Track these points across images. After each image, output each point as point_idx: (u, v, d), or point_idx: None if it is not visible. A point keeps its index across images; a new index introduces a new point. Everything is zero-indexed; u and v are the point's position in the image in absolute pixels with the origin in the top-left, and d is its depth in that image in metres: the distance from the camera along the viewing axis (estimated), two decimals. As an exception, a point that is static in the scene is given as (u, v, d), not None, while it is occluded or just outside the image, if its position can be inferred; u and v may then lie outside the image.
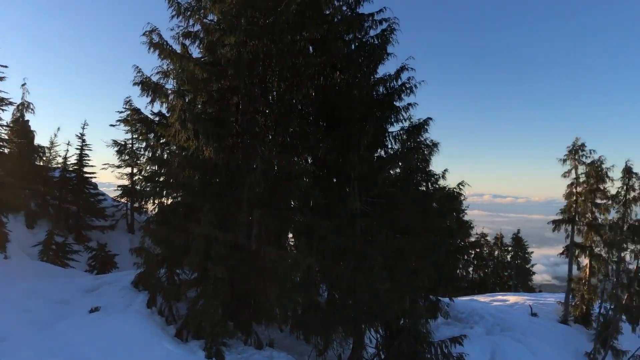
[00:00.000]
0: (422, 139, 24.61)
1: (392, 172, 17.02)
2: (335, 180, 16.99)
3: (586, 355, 24.90)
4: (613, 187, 27.71)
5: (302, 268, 14.83)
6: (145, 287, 15.72)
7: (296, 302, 14.67)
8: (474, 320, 26.92)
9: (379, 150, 16.29)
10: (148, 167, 17.68)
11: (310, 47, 16.88)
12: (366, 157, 15.26)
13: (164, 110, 16.25)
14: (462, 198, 41.61)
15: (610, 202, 27.58)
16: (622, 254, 25.83)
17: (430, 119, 15.79)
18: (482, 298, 35.56)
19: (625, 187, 26.46)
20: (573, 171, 28.83)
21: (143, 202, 21.50)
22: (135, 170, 37.40)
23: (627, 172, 26.48)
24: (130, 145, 37.22)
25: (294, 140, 16.03)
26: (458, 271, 48.11)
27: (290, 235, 17.38)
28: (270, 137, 16.34)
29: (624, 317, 25.34)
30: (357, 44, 15.96)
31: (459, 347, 15.06)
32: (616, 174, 27.41)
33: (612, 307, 25.46)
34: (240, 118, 15.14)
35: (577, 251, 29.19)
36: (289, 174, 14.76)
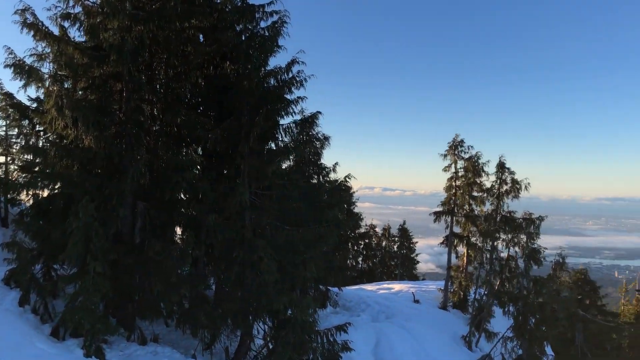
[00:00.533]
0: (314, 133, 24.97)
1: (283, 164, 17.16)
2: (225, 172, 16.82)
3: (462, 338, 26.70)
4: (488, 180, 29.87)
5: (189, 261, 14.55)
6: (17, 285, 14.65)
7: (182, 296, 14.36)
8: (361, 308, 27.90)
9: (270, 142, 16.31)
10: (22, 156, 16.52)
11: (200, 36, 16.54)
12: (256, 149, 15.21)
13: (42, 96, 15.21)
14: (353, 191, 42.87)
15: (485, 194, 29.68)
16: (495, 243, 27.84)
17: (320, 112, 16.05)
18: (370, 287, 36.89)
19: (498, 181, 28.55)
20: (453, 166, 30.72)
21: (16, 194, 19.96)
22: (9, 160, 34.60)
23: (501, 167, 28.58)
24: (2, 133, 34.34)
25: (182, 130, 15.61)
26: (348, 261, 49.47)
27: (178, 228, 16.97)
28: (157, 127, 15.83)
29: (496, 301, 27.45)
30: (247, 34, 15.83)
31: (344, 335, 15.52)
32: (491, 168, 29.54)
33: (485, 292, 27.46)
34: (124, 106, 14.50)
35: (455, 241, 31.17)
36: (176, 165, 14.39)
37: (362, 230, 53.33)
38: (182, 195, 15.81)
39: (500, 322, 26.91)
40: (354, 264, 54.54)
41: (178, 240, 16.71)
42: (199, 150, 16.50)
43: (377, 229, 57.88)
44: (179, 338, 16.17)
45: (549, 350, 17.85)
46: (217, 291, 16.88)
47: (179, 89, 16.04)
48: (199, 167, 15.84)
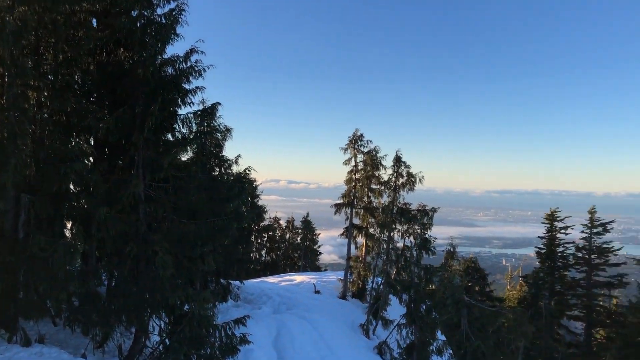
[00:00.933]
0: (216, 124, 24.57)
1: (183, 156, 16.78)
2: (119, 163, 16.15)
3: (361, 327, 27.56)
4: (386, 174, 30.97)
5: (78, 257, 13.86)
6: None
7: (72, 293, 13.67)
8: (263, 300, 27.98)
9: (166, 133, 15.87)
10: None
11: (94, 20, 15.74)
12: (152, 140, 14.75)
13: None
14: (257, 184, 42.68)
15: (383, 187, 30.75)
16: (392, 234, 28.90)
17: (219, 103, 15.85)
18: (272, 279, 37.09)
19: (395, 174, 29.63)
20: (353, 159, 31.51)
21: None
22: None
23: (397, 160, 29.67)
24: None
25: (71, 119, 14.77)
26: (251, 254, 49.42)
27: (69, 222, 16.09)
28: (45, 115, 14.87)
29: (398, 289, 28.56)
30: (143, 21, 15.25)
31: (243, 328, 15.48)
32: (388, 162, 30.64)
33: (382, 281, 28.48)
34: (6, 92, 13.48)
35: (355, 232, 32.06)
36: (65, 156, 13.61)
37: (266, 223, 53.48)
38: (72, 188, 15.00)
39: (397, 309, 28.06)
40: (258, 256, 54.57)
41: (68, 235, 15.87)
42: (91, 141, 15.76)
43: (281, 222, 58.26)
44: (68, 337, 15.39)
45: (440, 335, 18.84)
46: (110, 287, 16.22)
47: (68, 75, 15.16)
48: (90, 158, 15.12)
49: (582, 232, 38.46)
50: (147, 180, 14.61)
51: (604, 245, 37.87)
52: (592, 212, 38.53)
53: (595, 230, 38.02)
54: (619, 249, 38.69)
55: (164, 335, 14.74)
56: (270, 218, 55.01)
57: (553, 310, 34.49)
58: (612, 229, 39.19)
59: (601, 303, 38.86)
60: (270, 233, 55.13)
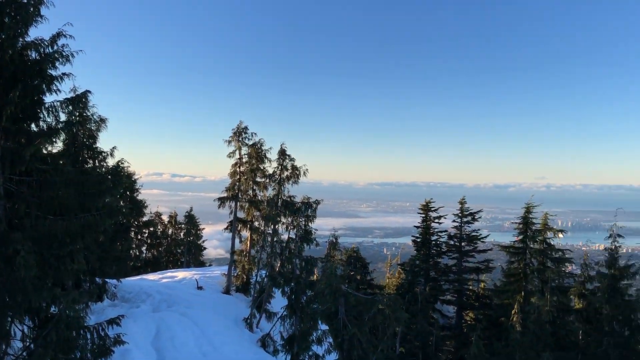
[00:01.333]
0: (89, 114, 23.08)
1: (52, 147, 15.54)
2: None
3: (244, 320, 27.39)
4: (271, 167, 30.91)
5: None
6: None
7: None
8: (142, 299, 26.87)
9: (30, 123, 14.61)
10: None
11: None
12: (12, 130, 13.50)
13: None
14: (137, 177, 40.81)
15: (268, 180, 30.68)
16: (277, 226, 28.93)
17: (89, 91, 14.90)
18: (153, 276, 35.77)
19: (280, 167, 29.69)
20: (237, 152, 31.11)
21: None
22: None
23: (282, 153, 29.74)
24: None
25: None
26: (130, 251, 47.31)
27: None
28: None
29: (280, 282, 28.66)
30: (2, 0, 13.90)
31: (118, 328, 14.73)
32: (274, 155, 30.60)
33: (267, 274, 28.49)
34: None
35: (239, 226, 31.75)
36: None
37: (147, 218, 51.41)
38: None
39: (282, 301, 28.27)
40: (138, 253, 52.36)
41: None
42: None
43: (163, 217, 56.34)
44: None
45: (322, 325, 19.22)
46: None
47: None
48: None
49: (454, 221, 41.11)
50: (6, 173, 13.36)
51: (473, 233, 40.77)
52: (462, 202, 41.28)
53: (465, 220, 40.79)
54: (486, 237, 41.82)
55: (28, 340, 13.63)
56: (151, 213, 52.96)
57: (428, 296, 36.53)
58: (480, 217, 42.28)
59: (470, 287, 41.88)
60: (152, 229, 53.02)
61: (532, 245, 33.92)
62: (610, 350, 24.65)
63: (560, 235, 34.96)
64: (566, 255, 33.55)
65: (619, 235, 26.56)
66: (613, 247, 26.06)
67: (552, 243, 33.62)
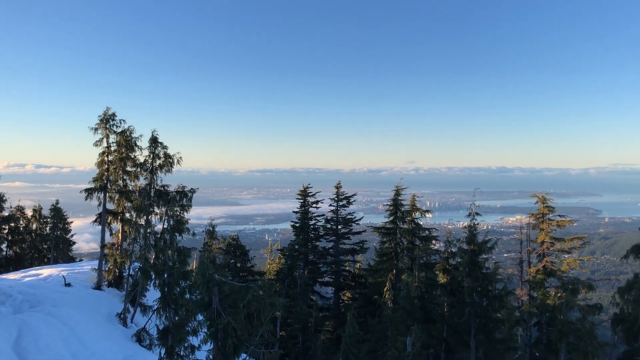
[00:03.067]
0: None
1: None
2: None
3: (118, 316, 26.22)
4: (142, 155, 29.61)
5: None
6: None
7: None
8: (0, 300, 24.72)
9: None
10: None
11: None
12: None
13: None
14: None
15: (139, 169, 29.41)
16: (150, 217, 27.90)
17: None
18: (14, 275, 32.99)
19: (152, 156, 28.61)
20: (105, 140, 29.41)
21: None
22: None
23: (154, 141, 28.66)
24: None
25: None
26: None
27: None
28: None
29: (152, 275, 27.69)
30: None
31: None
32: (145, 143, 29.33)
33: (140, 267, 27.42)
34: None
35: (110, 218, 30.20)
36: None
37: (7, 213, 47.32)
38: None
39: (158, 294, 27.37)
40: (-4, 251, 48.06)
41: None
42: None
43: (27, 211, 52.01)
44: None
45: (199, 316, 18.89)
46: None
47: None
48: None
49: (331, 205, 42.25)
50: None
51: (349, 216, 42.21)
52: (338, 187, 42.53)
53: (341, 203, 42.08)
54: (360, 219, 43.48)
55: None
56: (12, 207, 48.72)
57: (307, 279, 37.28)
58: (355, 201, 43.83)
59: (347, 268, 43.46)
60: (13, 224, 48.84)
61: (401, 226, 35.86)
62: (471, 320, 26.83)
63: (429, 215, 37.27)
64: (432, 234, 35.96)
65: (477, 214, 28.80)
66: (472, 224, 28.24)
67: (420, 223, 35.84)
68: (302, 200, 42.40)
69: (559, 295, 27.52)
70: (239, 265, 41.81)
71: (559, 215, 31.50)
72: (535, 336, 30.86)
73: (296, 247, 39.45)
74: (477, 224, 29.20)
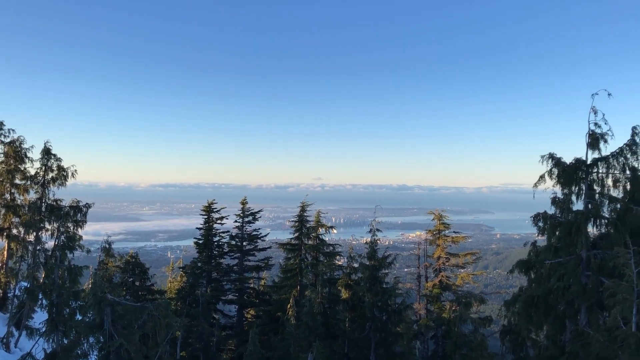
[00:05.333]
0: None
1: None
2: None
3: (0, 341, 24.28)
4: (33, 167, 27.87)
5: None
6: None
7: None
8: None
9: None
10: None
11: None
12: None
13: None
14: None
15: (29, 182, 27.64)
16: (40, 233, 26.25)
17: None
18: None
19: (44, 168, 26.98)
20: (-10, 150, 27.40)
21: None
22: None
23: (46, 153, 27.08)
24: None
25: None
26: None
27: None
28: None
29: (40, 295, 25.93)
30: None
31: None
32: (37, 154, 27.63)
33: (28, 287, 25.60)
34: None
35: (-7, 234, 28.04)
36: None
37: None
38: None
39: (44, 316, 25.65)
40: None
41: None
42: None
43: None
44: None
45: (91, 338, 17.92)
46: None
47: None
48: None
49: (236, 221, 41.72)
50: None
51: (254, 233, 41.85)
52: (244, 202, 42.11)
53: (246, 219, 41.63)
54: (266, 235, 43.26)
55: None
56: None
57: (209, 297, 36.46)
58: (260, 217, 43.57)
59: (252, 285, 42.99)
60: None
61: (306, 242, 36.12)
62: (372, 334, 27.39)
63: (334, 231, 37.86)
64: (336, 250, 36.52)
65: (378, 230, 29.61)
66: (373, 240, 28.98)
67: (324, 239, 36.30)
68: (206, 217, 41.51)
69: (453, 308, 28.89)
70: (137, 284, 40.07)
71: (454, 232, 33.16)
72: (432, 349, 32.09)
73: (199, 264, 38.52)
74: (378, 240, 30.02)
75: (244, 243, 41.25)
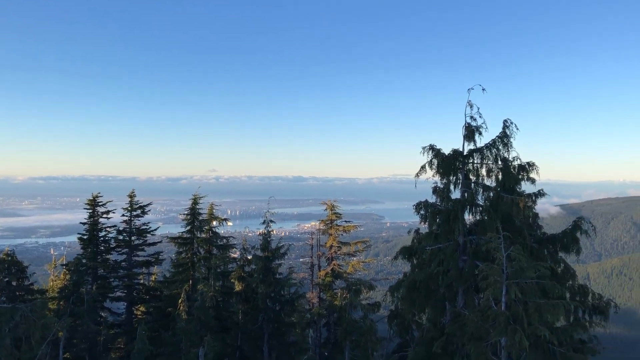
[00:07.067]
0: None
1: None
2: None
3: None
4: None
5: None
6: None
7: None
8: None
9: None
10: None
11: None
12: None
13: None
14: None
15: None
16: None
17: None
18: None
19: None
20: None
21: None
22: None
23: None
24: None
25: None
26: None
27: None
28: None
29: None
30: None
31: None
32: None
33: None
34: None
35: None
36: None
37: None
38: None
39: None
40: None
41: None
42: None
43: None
44: None
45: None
46: None
47: None
48: None
49: (123, 215, 40.02)
50: None
51: (143, 227, 40.38)
52: (132, 195, 40.52)
53: (135, 213, 40.09)
54: (156, 229, 41.91)
55: None
56: None
57: (95, 295, 34.81)
58: (150, 210, 42.12)
59: (142, 281, 41.52)
60: None
61: (199, 235, 35.51)
62: (265, 325, 27.57)
63: (229, 223, 37.51)
64: (230, 242, 36.25)
65: (272, 221, 29.80)
66: (266, 231, 29.12)
67: (217, 231, 35.89)
68: (91, 211, 39.42)
69: (344, 296, 29.74)
70: (14, 284, 37.31)
71: (345, 221, 34.07)
72: (325, 336, 32.85)
73: (83, 261, 36.54)
74: (274, 231, 30.21)
75: (133, 238, 39.71)
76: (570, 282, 19.64)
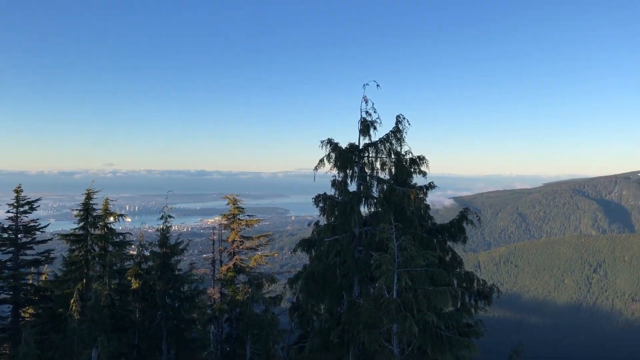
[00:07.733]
0: None
1: None
2: None
3: None
4: None
5: None
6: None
7: None
8: None
9: None
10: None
11: None
12: None
13: None
14: None
15: None
16: None
17: None
18: None
19: None
20: None
21: None
22: None
23: None
24: None
25: None
26: None
27: None
28: None
29: None
30: None
31: None
32: None
33: None
34: None
35: None
36: None
37: None
38: None
39: None
40: None
41: None
42: None
43: None
44: None
45: None
46: None
47: None
48: None
49: (9, 212, 37.37)
50: None
51: (32, 224, 37.89)
52: (18, 190, 37.84)
53: (22, 209, 37.51)
54: (46, 226, 39.43)
55: None
56: None
57: (-24, 298, 32.35)
58: (39, 206, 39.59)
59: (30, 282, 39.00)
60: None
61: (93, 232, 33.98)
62: (163, 323, 26.92)
63: (128, 219, 36.09)
64: (127, 239, 34.97)
65: (171, 216, 29.09)
66: (164, 227, 28.39)
67: (113, 228, 34.47)
68: (-31, 208, 36.55)
69: (246, 290, 29.70)
70: None
71: (248, 215, 33.94)
72: (227, 331, 32.63)
73: (-39, 262, 33.79)
74: (175, 227, 29.58)
75: (19, 235, 37.17)
76: (458, 270, 20.85)
